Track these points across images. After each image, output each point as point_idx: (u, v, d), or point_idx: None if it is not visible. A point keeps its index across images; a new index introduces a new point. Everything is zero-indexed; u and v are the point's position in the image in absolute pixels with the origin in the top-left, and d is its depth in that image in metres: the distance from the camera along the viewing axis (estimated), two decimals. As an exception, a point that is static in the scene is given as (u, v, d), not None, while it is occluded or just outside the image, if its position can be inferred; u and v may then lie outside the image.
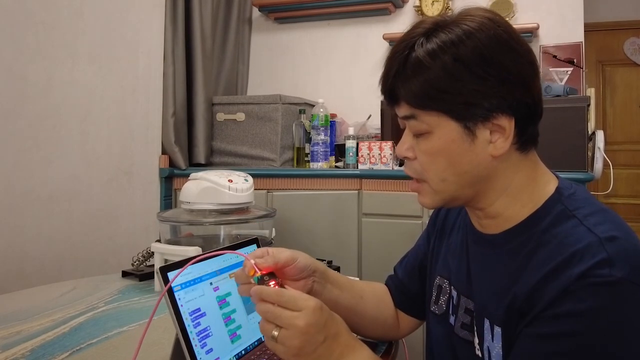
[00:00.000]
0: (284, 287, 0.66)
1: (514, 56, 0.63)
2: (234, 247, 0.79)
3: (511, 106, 0.63)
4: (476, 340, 0.69)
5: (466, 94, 0.63)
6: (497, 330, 0.64)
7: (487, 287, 0.68)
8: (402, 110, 0.67)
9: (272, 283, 0.66)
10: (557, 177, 0.70)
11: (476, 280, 0.71)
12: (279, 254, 0.71)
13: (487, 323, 0.66)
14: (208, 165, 2.34)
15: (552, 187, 0.67)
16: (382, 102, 2.19)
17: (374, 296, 0.89)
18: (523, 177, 0.67)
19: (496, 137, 0.64)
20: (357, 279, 1.25)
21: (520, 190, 0.67)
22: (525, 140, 0.67)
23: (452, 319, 0.76)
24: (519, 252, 0.65)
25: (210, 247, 1.20)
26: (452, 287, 0.77)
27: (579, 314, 0.54)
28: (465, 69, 0.62)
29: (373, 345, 0.88)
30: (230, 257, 0.81)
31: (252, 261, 0.67)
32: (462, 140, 0.64)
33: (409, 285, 0.89)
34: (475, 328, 0.69)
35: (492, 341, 0.65)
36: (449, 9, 2.42)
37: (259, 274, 0.67)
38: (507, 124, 0.64)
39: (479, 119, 0.64)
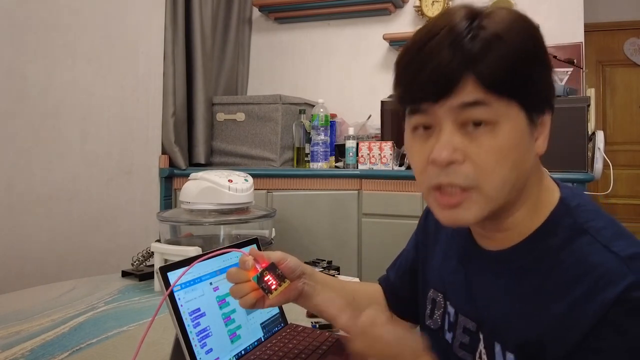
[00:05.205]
0: (285, 280, 0.68)
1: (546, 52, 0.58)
2: (234, 248, 0.79)
3: (551, 101, 0.58)
4: None
5: (536, 79, 0.55)
6: (510, 356, 0.59)
7: (496, 308, 0.63)
8: (465, 95, 0.54)
9: (267, 278, 0.67)
10: (556, 182, 0.66)
11: (481, 300, 0.66)
12: (271, 254, 0.70)
13: (498, 347, 0.61)
14: (208, 165, 2.34)
15: (556, 196, 0.62)
16: (382, 102, 2.19)
17: (367, 296, 0.87)
18: (537, 183, 0.61)
19: (538, 133, 0.58)
20: (357, 279, 1.25)
21: (536, 198, 0.61)
22: None
23: (448, 336, 0.72)
24: (530, 270, 0.60)
25: (210, 247, 1.20)
26: (447, 303, 0.73)
27: (624, 342, 0.51)
28: (536, 50, 0.55)
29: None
30: (230, 257, 0.81)
31: (251, 258, 0.68)
32: (527, 135, 0.56)
33: (401, 289, 0.87)
34: (481, 350, 0.65)
35: None
36: (449, 9, 2.42)
37: (259, 270, 0.68)
38: (548, 119, 0.58)
39: (539, 111, 0.57)
